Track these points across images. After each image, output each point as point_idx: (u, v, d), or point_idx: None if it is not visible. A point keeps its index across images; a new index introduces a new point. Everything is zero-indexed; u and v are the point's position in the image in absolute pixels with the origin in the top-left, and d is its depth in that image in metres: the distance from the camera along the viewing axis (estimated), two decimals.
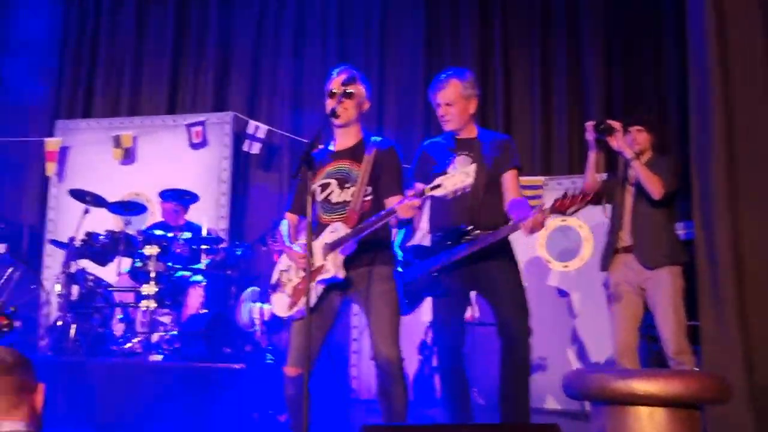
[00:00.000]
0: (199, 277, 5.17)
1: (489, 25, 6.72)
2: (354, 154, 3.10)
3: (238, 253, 5.16)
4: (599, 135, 3.70)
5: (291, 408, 3.02)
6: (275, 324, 5.09)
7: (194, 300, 5.13)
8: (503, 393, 3.21)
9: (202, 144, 6.67)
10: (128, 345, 4.82)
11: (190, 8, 7.36)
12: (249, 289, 5.17)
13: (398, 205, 2.79)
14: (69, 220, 6.38)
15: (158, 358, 4.60)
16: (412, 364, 5.49)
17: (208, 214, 6.13)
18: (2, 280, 4.24)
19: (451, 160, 3.38)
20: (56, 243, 5.25)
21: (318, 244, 3.00)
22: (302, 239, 3.12)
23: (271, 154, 6.90)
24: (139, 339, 4.83)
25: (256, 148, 6.66)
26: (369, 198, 3.04)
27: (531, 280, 3.35)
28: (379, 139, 3.17)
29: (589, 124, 3.73)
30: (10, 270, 4.61)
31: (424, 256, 3.31)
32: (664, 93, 6.19)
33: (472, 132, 3.46)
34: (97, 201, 5.08)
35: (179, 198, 5.39)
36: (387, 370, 2.88)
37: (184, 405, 4.10)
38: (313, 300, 2.95)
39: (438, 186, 2.73)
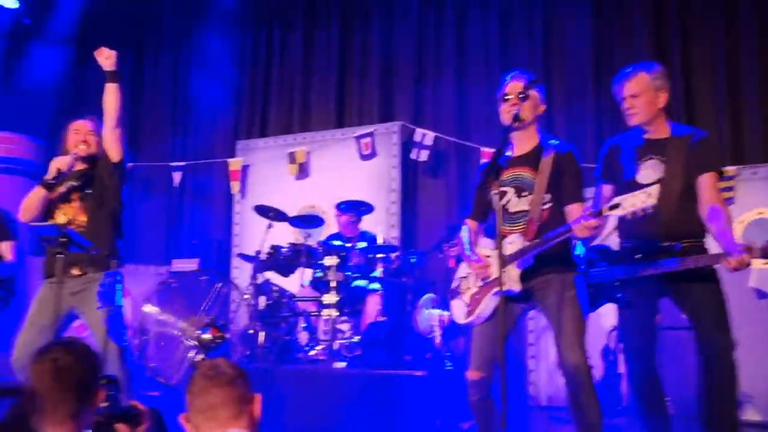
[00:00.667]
0: (376, 285, 5.28)
1: (665, 24, 6.33)
2: (531, 160, 3.00)
3: (413, 260, 5.22)
4: None
5: (476, 412, 2.98)
6: (453, 330, 5.08)
7: (372, 308, 5.25)
8: (707, 414, 2.95)
9: (372, 155, 6.83)
10: (312, 352, 5.02)
11: (353, 27, 7.59)
12: (426, 296, 5.20)
13: (575, 224, 2.67)
14: (252, 235, 6.80)
15: (342, 365, 4.74)
16: (595, 370, 5.26)
17: (380, 224, 6.26)
18: (212, 295, 4.55)
19: (639, 165, 3.14)
20: (244, 256, 5.58)
21: (496, 255, 2.94)
22: (480, 247, 3.08)
23: (439, 161, 6.92)
24: (322, 347, 5.01)
25: (424, 156, 6.71)
26: (548, 206, 2.94)
27: (725, 282, 3.04)
28: (556, 142, 3.04)
29: None
30: (218, 285, 4.93)
31: (610, 260, 3.14)
32: None
33: (663, 131, 3.15)
34: (279, 216, 5.34)
35: (355, 209, 5.55)
36: (575, 379, 2.76)
37: (369, 411, 4.19)
38: (490, 310, 2.90)
39: (617, 206, 2.57)
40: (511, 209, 2.99)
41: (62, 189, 3.58)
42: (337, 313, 4.98)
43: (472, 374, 2.95)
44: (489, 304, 2.88)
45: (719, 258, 2.83)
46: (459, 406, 4.53)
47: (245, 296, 5.25)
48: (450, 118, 7.00)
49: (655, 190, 2.53)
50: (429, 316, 5.08)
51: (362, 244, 5.40)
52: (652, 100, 3.11)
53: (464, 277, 3.11)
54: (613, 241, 3.31)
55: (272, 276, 5.37)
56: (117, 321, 3.45)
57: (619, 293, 3.02)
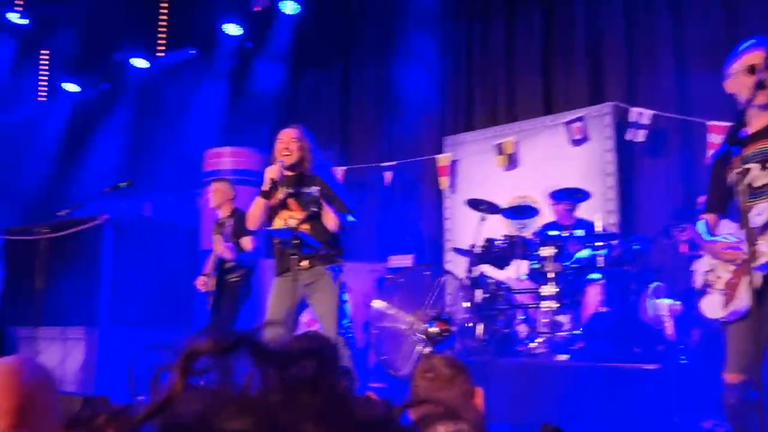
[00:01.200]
0: (596, 275, 5.03)
1: None
2: None
3: (636, 247, 4.90)
4: None
5: (733, 415, 2.70)
6: (687, 321, 4.70)
7: (593, 298, 5.00)
8: None
9: (583, 140, 6.55)
10: (532, 345, 4.89)
11: (555, 9, 7.32)
12: (652, 284, 4.86)
13: None
14: (464, 229, 6.81)
15: (565, 357, 4.57)
16: None
17: (597, 210, 5.96)
18: (436, 289, 4.64)
19: None
20: (458, 250, 5.61)
21: (743, 233, 2.65)
22: (721, 236, 2.79)
23: (658, 140, 6.46)
24: (542, 339, 4.87)
25: (641, 136, 6.29)
26: None
27: None
28: None
29: None
30: (443, 278, 5.02)
31: None
32: None
33: None
34: (492, 208, 5.28)
35: (571, 197, 5.32)
36: None
37: (597, 406, 3.99)
38: (750, 295, 2.60)
39: None
40: (757, 183, 2.68)
41: (280, 195, 3.83)
42: (557, 305, 4.82)
43: (730, 377, 2.69)
44: (748, 287, 2.60)
45: None
46: (697, 402, 4.18)
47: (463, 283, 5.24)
48: (668, 95, 6.50)
49: None
50: (657, 306, 4.73)
51: (579, 232, 5.17)
52: None
53: (710, 270, 2.83)
54: None
55: (487, 269, 5.33)
56: (342, 313, 3.63)
57: None
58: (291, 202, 3.86)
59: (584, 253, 5.12)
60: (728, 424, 2.74)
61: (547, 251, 4.84)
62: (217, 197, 5.19)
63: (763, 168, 2.65)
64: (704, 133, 5.98)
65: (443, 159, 7.32)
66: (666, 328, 4.59)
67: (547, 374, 4.34)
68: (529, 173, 6.85)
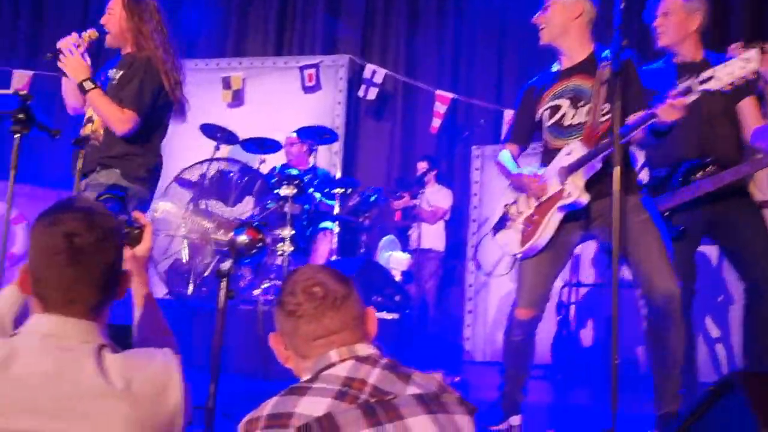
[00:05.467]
0: (329, 224, 4.83)
1: None
2: (586, 68, 2.69)
3: (373, 199, 4.82)
4: None
5: (513, 353, 2.66)
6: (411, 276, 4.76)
7: (324, 247, 4.81)
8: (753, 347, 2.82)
9: (316, 87, 6.32)
10: (257, 291, 4.52)
11: None
12: (385, 238, 4.83)
13: (661, 107, 2.36)
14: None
15: None
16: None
17: (320, 162, 5.77)
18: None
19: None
20: (183, 181, 4.94)
21: (552, 170, 2.62)
22: (526, 169, 2.73)
23: (386, 101, 6.52)
24: (268, 284, 4.52)
25: (372, 94, 6.28)
26: (607, 118, 2.62)
27: None
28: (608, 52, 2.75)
29: None
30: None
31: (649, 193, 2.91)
32: None
33: (696, 54, 2.97)
34: (230, 138, 4.75)
35: (317, 137, 4.98)
36: (666, 308, 2.44)
37: None
38: (550, 233, 2.57)
39: (709, 79, 2.30)
40: (566, 122, 2.66)
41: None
42: (291, 248, 4.51)
43: (521, 312, 2.63)
44: (549, 225, 2.55)
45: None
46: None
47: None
48: (399, 58, 6.61)
49: (753, 54, 2.27)
50: (392, 259, 4.72)
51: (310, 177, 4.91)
52: (683, 21, 2.91)
53: (512, 203, 2.75)
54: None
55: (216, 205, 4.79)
56: None
57: (671, 228, 2.79)
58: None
59: (318, 197, 4.89)
60: (507, 362, 2.70)
61: (287, 191, 4.49)
62: None
63: (574, 106, 2.65)
64: (431, 101, 6.18)
65: None
66: (400, 280, 4.58)
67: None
68: (254, 114, 6.40)
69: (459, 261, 6.17)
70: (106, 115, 2.79)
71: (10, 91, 2.52)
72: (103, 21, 2.90)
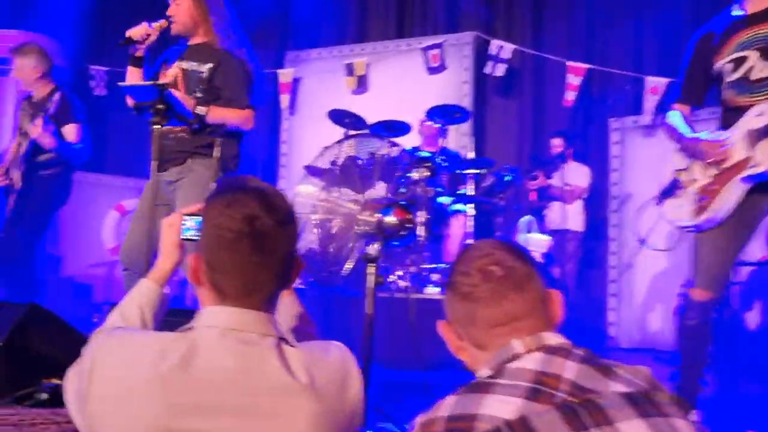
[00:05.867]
0: (463, 206, 4.64)
1: None
2: None
3: (508, 179, 4.58)
4: None
5: (688, 339, 2.38)
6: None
7: (458, 230, 4.62)
8: None
9: (440, 68, 6.13)
10: (392, 278, 4.40)
11: None
12: (523, 218, 4.58)
13: None
14: (302, 153, 6.20)
15: (435, 291, 4.14)
16: None
17: (449, 145, 5.59)
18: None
19: None
20: (312, 169, 4.91)
21: (737, 133, 2.30)
22: (704, 133, 2.42)
23: (514, 77, 6.23)
24: (402, 272, 4.39)
25: (500, 70, 6.01)
26: None
27: None
28: None
29: None
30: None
31: None
32: None
33: None
34: (357, 123, 4.66)
35: (448, 116, 4.77)
36: None
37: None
38: (731, 205, 2.26)
39: None
40: (755, 76, 2.32)
41: (171, 72, 2.98)
42: (426, 234, 4.35)
43: (697, 293, 2.35)
44: (730, 196, 2.25)
45: None
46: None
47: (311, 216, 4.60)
48: (526, 32, 6.30)
49: None
50: (532, 241, 4.46)
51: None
52: None
53: (683, 170, 2.45)
54: None
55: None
56: None
57: None
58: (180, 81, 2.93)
59: (450, 181, 4.70)
60: (682, 349, 2.43)
61: (419, 174, 4.33)
62: (25, 72, 3.89)
63: (765, 58, 2.31)
64: (563, 74, 5.84)
65: (285, 75, 6.54)
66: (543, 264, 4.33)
67: (422, 312, 3.85)
68: (379, 99, 6.30)
69: (600, 241, 5.82)
70: (232, 122, 2.85)
71: (149, 83, 2.48)
72: (170, 12, 2.92)
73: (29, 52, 3.84)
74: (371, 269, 1.77)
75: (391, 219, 1.81)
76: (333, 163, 4.60)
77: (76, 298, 6.12)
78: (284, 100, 6.49)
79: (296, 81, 6.56)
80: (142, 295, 1.45)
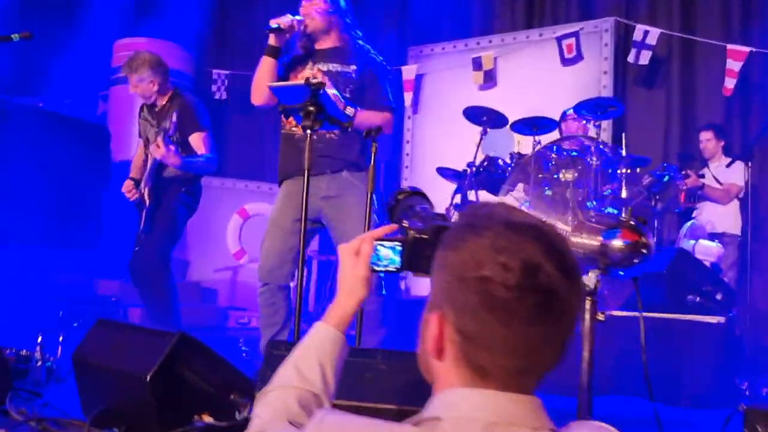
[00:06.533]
0: (612, 210, 4.19)
1: None
2: None
3: (666, 178, 4.09)
4: None
5: None
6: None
7: None
8: None
9: (576, 59, 5.66)
10: None
11: None
12: (688, 224, 4.09)
13: None
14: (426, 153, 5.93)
15: None
16: None
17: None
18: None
19: None
20: (446, 171, 4.60)
21: None
22: None
23: (659, 64, 5.68)
24: None
25: (645, 58, 5.48)
26: None
27: None
28: None
29: None
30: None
31: None
32: None
33: None
34: (498, 120, 4.29)
35: (598, 110, 4.30)
36: None
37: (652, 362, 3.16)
38: None
39: None
40: None
41: (308, 73, 2.95)
42: None
43: None
44: None
45: None
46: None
47: None
48: (674, 12, 5.72)
49: None
50: (701, 248, 3.96)
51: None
52: None
53: None
54: None
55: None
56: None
57: None
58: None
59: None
60: None
61: (568, 174, 3.92)
62: (142, 87, 3.68)
63: None
64: (718, 59, 5.25)
65: (408, 72, 6.25)
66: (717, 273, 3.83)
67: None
68: (508, 94, 5.90)
69: (763, 245, 5.18)
70: (375, 125, 2.71)
71: (300, 82, 2.24)
72: (303, 12, 2.87)
73: (141, 66, 3.65)
74: (587, 305, 1.42)
75: (618, 243, 1.46)
76: (470, 164, 4.26)
77: (202, 303, 6.10)
78: (407, 98, 6.20)
79: (419, 78, 6.26)
80: (321, 345, 1.16)
